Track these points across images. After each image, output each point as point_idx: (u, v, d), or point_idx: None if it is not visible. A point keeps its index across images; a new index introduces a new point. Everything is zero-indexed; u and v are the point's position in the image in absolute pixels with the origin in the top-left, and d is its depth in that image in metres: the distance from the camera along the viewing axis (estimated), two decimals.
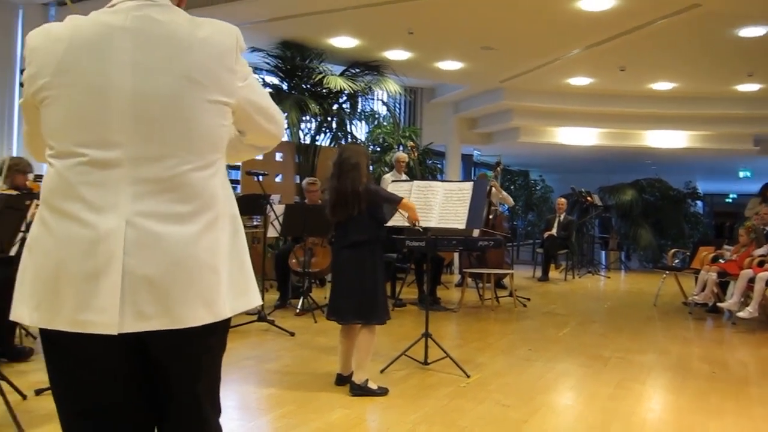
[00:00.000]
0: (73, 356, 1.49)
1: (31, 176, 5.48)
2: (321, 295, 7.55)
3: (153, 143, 1.44)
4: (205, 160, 1.49)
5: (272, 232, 6.86)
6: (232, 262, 1.55)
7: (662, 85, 10.98)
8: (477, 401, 3.95)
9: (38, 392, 3.71)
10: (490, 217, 8.67)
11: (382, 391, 3.98)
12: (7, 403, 3.26)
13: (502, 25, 8.31)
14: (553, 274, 11.65)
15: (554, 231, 11.63)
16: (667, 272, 8.81)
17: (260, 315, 5.79)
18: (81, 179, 1.42)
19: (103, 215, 1.41)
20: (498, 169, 9.78)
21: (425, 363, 4.63)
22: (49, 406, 3.47)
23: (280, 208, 6.73)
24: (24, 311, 1.46)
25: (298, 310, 6.64)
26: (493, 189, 8.79)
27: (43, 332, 1.48)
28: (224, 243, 1.53)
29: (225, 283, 1.52)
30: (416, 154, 9.01)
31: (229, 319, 1.58)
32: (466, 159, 15.20)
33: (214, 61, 1.50)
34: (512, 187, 16.84)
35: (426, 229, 4.62)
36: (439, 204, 4.53)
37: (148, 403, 1.58)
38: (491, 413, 3.76)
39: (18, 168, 5.16)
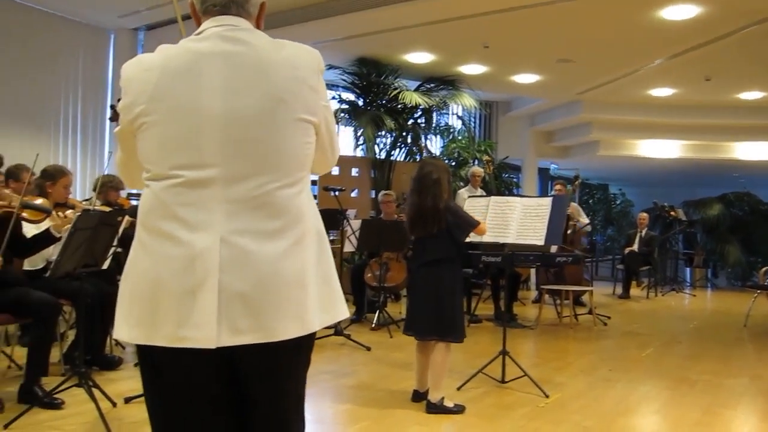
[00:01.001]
0: (168, 371, 1.55)
1: (123, 193, 5.76)
2: (396, 310, 7.57)
3: (243, 162, 1.49)
4: (293, 177, 1.54)
5: (348, 247, 6.93)
6: (320, 276, 1.59)
7: (750, 95, 10.50)
8: (556, 423, 3.85)
9: (127, 400, 3.87)
10: (568, 231, 8.47)
11: (459, 409, 3.95)
12: (99, 409, 3.42)
13: (579, 37, 8.17)
14: (634, 291, 11.26)
15: (635, 247, 11.25)
16: (759, 291, 8.36)
17: (337, 329, 5.86)
18: (176, 200, 1.48)
19: (198, 233, 1.46)
20: (576, 183, 9.57)
21: (502, 381, 4.56)
22: (138, 415, 3.64)
23: (356, 223, 6.80)
24: (124, 329, 1.53)
25: (373, 325, 6.68)
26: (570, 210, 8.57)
27: (141, 348, 1.55)
28: (312, 258, 1.57)
29: (313, 297, 1.55)
30: (492, 169, 8.94)
31: (314, 336, 1.62)
32: (543, 173, 14.96)
33: (299, 81, 1.54)
34: (591, 201, 16.45)
35: (503, 245, 4.57)
36: (517, 220, 4.46)
37: (235, 420, 1.62)
38: None
39: (111, 185, 5.43)
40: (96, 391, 3.58)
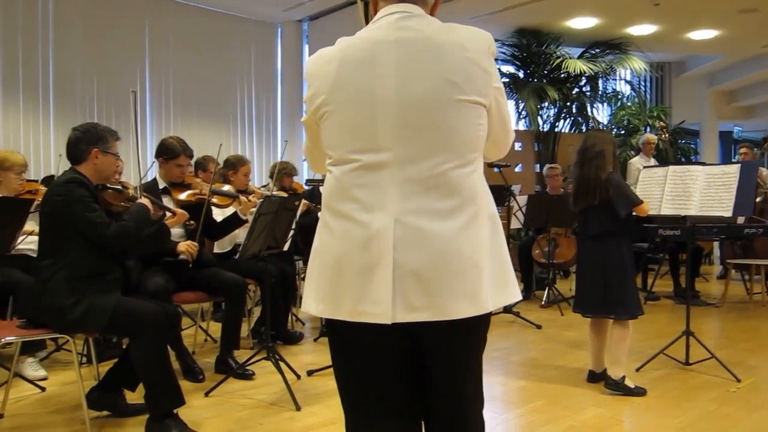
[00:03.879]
0: (353, 344, 1.65)
1: (296, 178, 6.08)
2: (566, 286, 7.36)
3: (417, 145, 1.53)
4: (465, 158, 1.56)
5: (515, 223, 6.82)
6: (493, 257, 1.60)
7: None
8: (750, 409, 3.55)
9: (310, 373, 4.12)
10: (758, 200, 7.72)
11: (640, 391, 3.77)
12: (285, 381, 3.67)
13: None
14: None
15: None
16: None
17: (506, 307, 5.81)
18: (355, 182, 1.56)
19: (374, 214, 1.53)
20: (765, 146, 8.67)
21: (686, 363, 4.28)
22: (320, 386, 3.86)
23: (522, 199, 6.68)
24: (311, 304, 1.65)
25: (543, 302, 6.55)
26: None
27: (329, 322, 1.66)
28: (485, 238, 1.58)
29: (487, 277, 1.56)
30: (666, 135, 8.33)
31: (490, 315, 1.63)
32: (725, 137, 13.73)
33: (470, 63, 1.55)
34: None
35: (683, 217, 4.27)
36: (700, 190, 4.14)
37: (415, 395, 1.68)
38: None
39: (285, 171, 5.77)
40: (282, 364, 3.84)
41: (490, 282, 1.57)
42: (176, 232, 4.15)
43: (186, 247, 3.98)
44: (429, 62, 1.53)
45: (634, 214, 4.02)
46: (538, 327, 5.57)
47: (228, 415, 3.46)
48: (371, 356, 1.64)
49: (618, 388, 3.76)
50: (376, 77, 1.54)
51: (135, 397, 3.40)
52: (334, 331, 1.69)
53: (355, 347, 1.65)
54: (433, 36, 1.55)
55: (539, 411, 3.57)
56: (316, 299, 1.63)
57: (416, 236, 1.50)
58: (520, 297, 1.69)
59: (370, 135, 1.54)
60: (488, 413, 3.55)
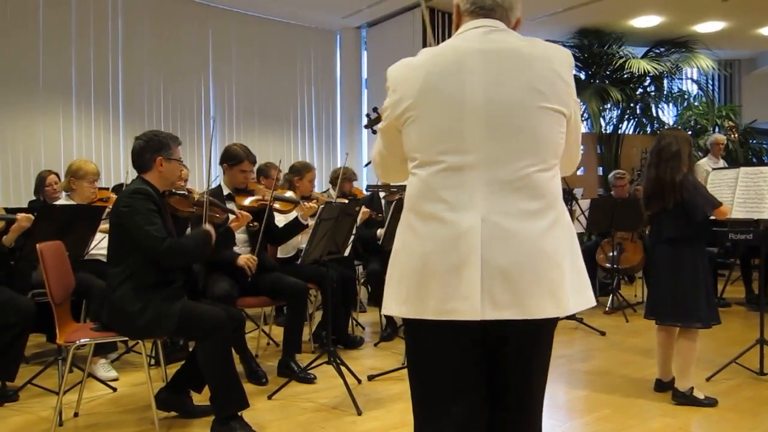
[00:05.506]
0: (433, 343, 1.67)
1: (355, 183, 6.13)
2: (631, 292, 7.17)
3: (503, 147, 1.59)
4: (548, 163, 1.62)
5: (577, 228, 6.69)
6: (572, 261, 1.64)
7: None
8: None
9: (371, 377, 4.14)
10: None
11: (710, 402, 3.63)
12: (346, 385, 3.69)
13: None
14: None
15: None
16: None
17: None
18: (441, 183, 1.61)
19: (462, 213, 1.57)
20: None
21: (761, 373, 4.10)
22: (381, 391, 3.87)
23: (584, 203, 6.54)
24: (393, 306, 1.68)
25: (607, 308, 6.39)
26: None
27: (408, 322, 1.69)
28: (566, 242, 1.63)
29: (568, 280, 1.60)
30: (736, 135, 8.03)
31: (557, 319, 1.67)
32: None
33: (554, 74, 1.63)
34: None
35: (756, 220, 4.10)
36: None
37: (487, 392, 1.72)
38: None
39: (346, 176, 5.82)
40: (343, 368, 3.87)
41: (571, 285, 1.61)
42: (240, 237, 4.25)
43: (245, 261, 4.05)
44: (516, 70, 1.60)
45: (711, 217, 3.88)
46: (603, 334, 5.44)
47: (290, 418, 3.51)
48: (451, 355, 1.66)
49: (686, 400, 3.63)
50: (465, 83, 1.60)
51: (201, 398, 3.48)
52: (413, 331, 1.71)
53: (432, 347, 1.67)
54: (520, 47, 1.63)
55: (605, 420, 3.49)
56: (398, 301, 1.66)
57: (503, 235, 1.55)
58: (595, 302, 1.72)
59: (458, 137, 1.60)
60: (551, 420, 3.53)
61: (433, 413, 1.71)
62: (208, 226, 3.39)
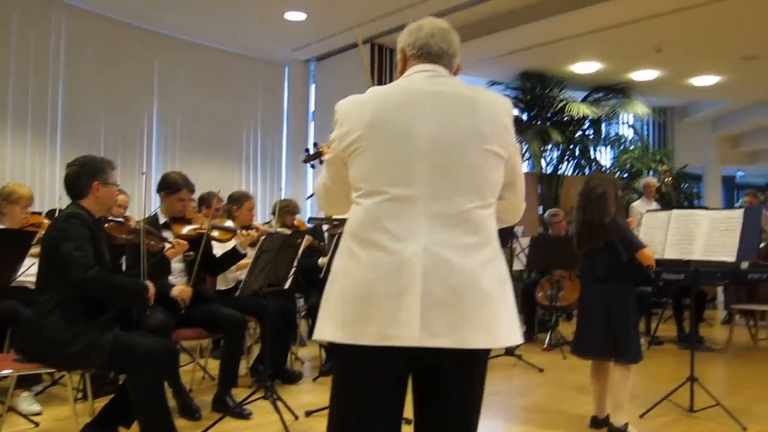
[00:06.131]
0: (365, 369, 1.69)
1: (298, 216, 6.09)
2: (569, 330, 7.27)
3: (445, 183, 1.67)
4: (486, 201, 1.71)
5: (517, 265, 6.80)
6: (505, 297, 1.71)
7: None
8: None
9: (308, 413, 4.05)
10: (762, 245, 7.69)
11: None
12: (283, 421, 3.61)
13: (765, 31, 7.44)
14: None
15: None
16: None
17: (507, 349, 5.75)
18: (386, 213, 1.66)
19: (405, 243, 1.63)
20: None
21: (691, 410, 4.20)
22: (318, 427, 3.79)
23: (525, 241, 6.66)
24: (328, 330, 1.69)
25: (545, 345, 6.48)
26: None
27: (342, 347, 1.68)
28: (499, 278, 1.70)
29: (502, 314, 1.68)
30: (669, 179, 8.35)
31: (489, 351, 1.74)
32: (728, 181, 13.78)
33: (496, 118, 1.74)
34: None
35: (687, 261, 4.24)
36: (704, 234, 4.12)
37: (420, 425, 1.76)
38: None
39: (287, 209, 5.77)
40: (279, 404, 3.78)
41: (505, 320, 1.69)
42: (176, 267, 4.15)
43: (179, 292, 3.95)
44: (462, 112, 1.71)
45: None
46: (541, 370, 5.50)
47: None
48: (380, 382, 1.69)
49: None
50: (414, 119, 1.69)
51: None
52: (346, 357, 1.72)
53: (364, 373, 1.69)
54: (464, 92, 1.75)
55: None
56: (335, 326, 1.67)
57: (443, 266, 1.61)
58: (522, 340, 1.78)
59: (403, 171, 1.67)
60: None
61: None
62: (149, 284, 3.27)
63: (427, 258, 1.60)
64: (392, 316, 1.60)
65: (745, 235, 4.01)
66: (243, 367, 4.74)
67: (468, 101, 1.72)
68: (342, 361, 1.76)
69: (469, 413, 1.74)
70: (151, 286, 3.24)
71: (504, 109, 1.77)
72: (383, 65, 8.77)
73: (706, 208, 4.25)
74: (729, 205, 12.76)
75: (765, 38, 7.64)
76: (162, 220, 4.16)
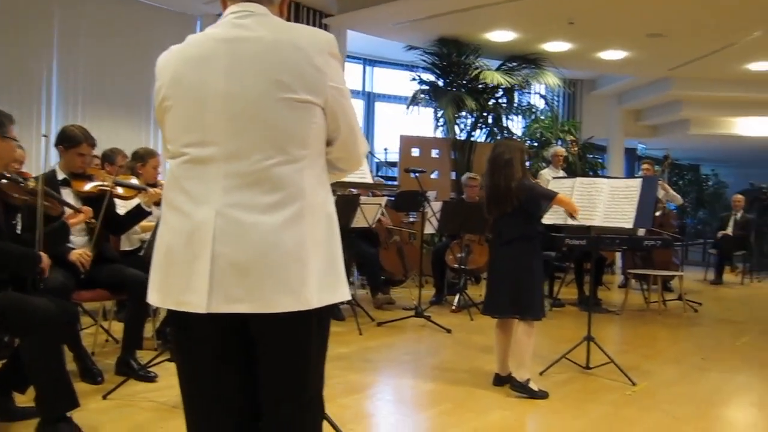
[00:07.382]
0: (187, 333, 1.67)
1: None
2: (477, 292, 7.49)
3: (241, 141, 1.57)
4: (291, 155, 1.57)
5: (429, 229, 6.90)
6: (325, 256, 1.62)
7: None
8: (645, 411, 3.72)
9: None
10: (657, 214, 8.14)
11: (543, 395, 3.87)
12: None
13: (670, 10, 7.76)
14: (728, 277, 10.74)
15: (730, 230, 10.72)
16: None
17: (417, 311, 5.86)
18: (184, 175, 1.61)
19: (198, 206, 1.57)
20: (666, 163, 9.16)
21: (587, 368, 4.45)
22: None
23: (437, 205, 6.76)
24: (152, 294, 1.67)
25: (454, 307, 6.65)
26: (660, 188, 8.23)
27: (169, 312, 1.67)
28: (311, 235, 1.58)
29: (314, 273, 1.57)
30: (576, 149, 8.65)
31: (325, 312, 1.64)
32: (630, 153, 14.43)
33: (302, 62, 1.57)
34: (681, 182, 15.74)
35: (588, 228, 4.44)
36: (604, 202, 4.31)
37: (250, 395, 1.69)
38: (662, 424, 3.53)
39: None
40: None
41: (319, 279, 1.58)
42: (77, 226, 3.95)
43: (78, 257, 3.73)
44: (257, 61, 1.56)
45: (548, 223, 4.16)
46: (449, 331, 5.65)
47: (127, 418, 3.32)
48: (200, 347, 1.66)
49: (523, 390, 3.85)
50: (208, 73, 1.58)
51: (25, 399, 3.20)
52: (171, 322, 1.73)
53: (187, 337, 1.67)
54: (266, 35, 1.59)
55: (447, 413, 3.61)
56: (152, 288, 1.65)
57: (236, 229, 1.54)
58: (348, 297, 1.71)
59: (200, 130, 1.59)
60: (397, 415, 3.60)
61: (194, 410, 1.71)
62: (43, 255, 3.10)
63: (219, 221, 1.54)
64: (186, 282, 1.56)
65: (642, 203, 4.22)
66: (149, 330, 4.61)
67: (268, 46, 1.57)
68: (170, 321, 1.76)
69: (293, 382, 1.65)
70: (44, 257, 3.09)
71: (317, 47, 1.58)
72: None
73: (608, 177, 4.44)
74: (630, 175, 13.38)
75: (670, 17, 7.96)
76: (61, 176, 3.93)
